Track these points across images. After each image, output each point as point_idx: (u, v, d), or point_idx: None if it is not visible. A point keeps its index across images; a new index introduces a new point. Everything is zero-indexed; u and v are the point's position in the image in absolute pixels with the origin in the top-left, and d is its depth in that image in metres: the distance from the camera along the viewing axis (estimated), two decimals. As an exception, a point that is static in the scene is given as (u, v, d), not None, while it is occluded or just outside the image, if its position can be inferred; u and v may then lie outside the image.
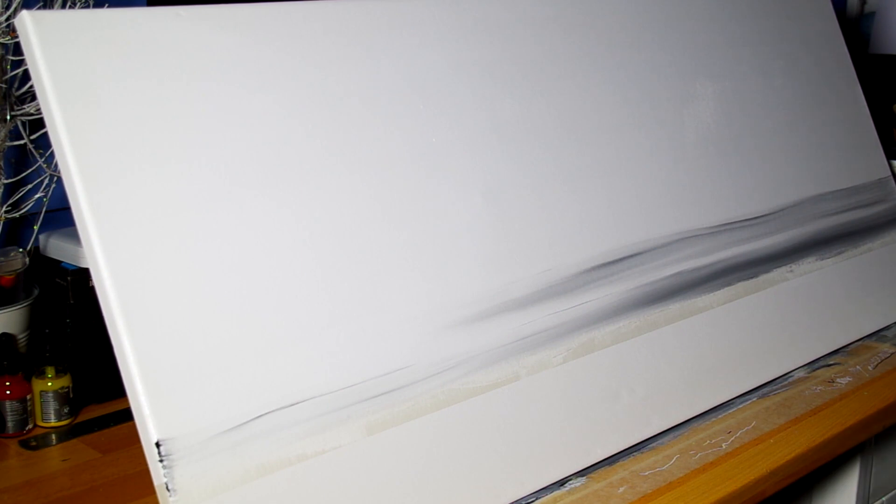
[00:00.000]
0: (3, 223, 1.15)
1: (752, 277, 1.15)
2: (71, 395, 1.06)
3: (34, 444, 1.02)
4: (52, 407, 1.04)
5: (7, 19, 1.06)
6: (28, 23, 0.73)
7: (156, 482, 0.71)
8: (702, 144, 1.14)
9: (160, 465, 0.71)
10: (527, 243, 0.95)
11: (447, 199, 0.91)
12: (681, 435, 1.02)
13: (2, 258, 1.09)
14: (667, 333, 1.04)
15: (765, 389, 1.12)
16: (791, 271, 1.19)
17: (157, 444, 0.71)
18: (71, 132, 0.72)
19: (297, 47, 0.85)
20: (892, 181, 1.42)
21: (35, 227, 1.17)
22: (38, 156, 1.16)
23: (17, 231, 1.21)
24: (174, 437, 0.71)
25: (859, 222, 1.32)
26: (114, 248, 0.72)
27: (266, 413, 0.76)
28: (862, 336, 1.27)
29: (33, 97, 1.11)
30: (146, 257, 0.73)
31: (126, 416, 1.02)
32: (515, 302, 0.93)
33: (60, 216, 1.13)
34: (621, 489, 0.91)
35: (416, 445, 0.84)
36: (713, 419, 1.05)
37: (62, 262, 1.10)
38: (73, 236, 1.06)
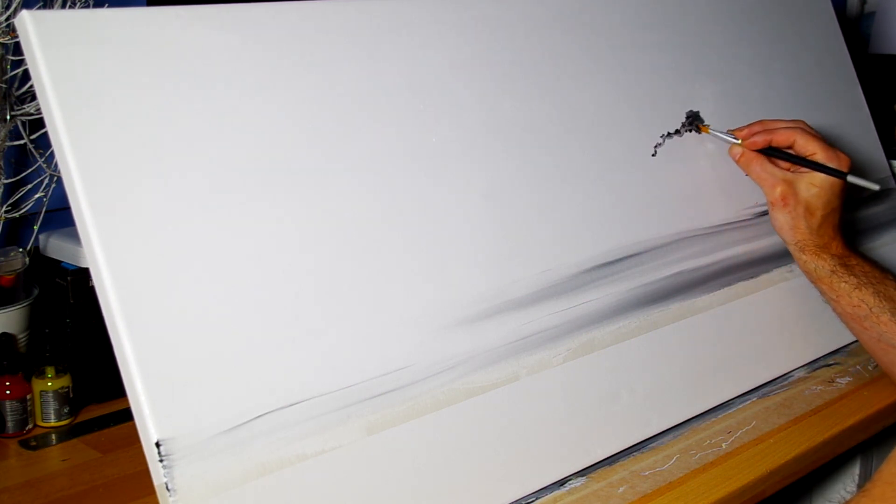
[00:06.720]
0: (3, 223, 1.15)
1: (752, 277, 1.15)
2: (71, 395, 1.06)
3: (34, 444, 1.02)
4: (52, 407, 1.04)
5: (7, 19, 1.06)
6: (28, 23, 0.72)
7: (156, 482, 0.71)
8: (702, 144, 1.14)
9: (160, 465, 0.71)
10: (527, 243, 0.95)
11: (447, 199, 0.91)
12: (681, 435, 1.02)
13: (2, 258, 1.09)
14: (667, 333, 1.04)
15: (765, 389, 1.12)
16: (791, 271, 1.19)
17: (157, 444, 0.71)
18: (71, 132, 0.72)
19: (297, 47, 0.85)
20: (892, 181, 1.42)
21: (35, 227, 1.17)
22: (38, 156, 1.16)
23: (17, 231, 1.21)
24: (174, 437, 0.71)
25: (859, 222, 1.32)
26: (114, 248, 0.72)
27: (266, 413, 0.76)
28: (862, 336, 1.26)
29: (33, 97, 1.11)
30: (146, 257, 0.73)
31: (126, 416, 1.02)
32: (515, 302, 0.92)
33: (60, 216, 1.13)
34: (621, 489, 0.91)
35: (416, 445, 0.84)
36: (713, 419, 1.05)
37: (62, 262, 1.10)
38: (73, 236, 1.06)
